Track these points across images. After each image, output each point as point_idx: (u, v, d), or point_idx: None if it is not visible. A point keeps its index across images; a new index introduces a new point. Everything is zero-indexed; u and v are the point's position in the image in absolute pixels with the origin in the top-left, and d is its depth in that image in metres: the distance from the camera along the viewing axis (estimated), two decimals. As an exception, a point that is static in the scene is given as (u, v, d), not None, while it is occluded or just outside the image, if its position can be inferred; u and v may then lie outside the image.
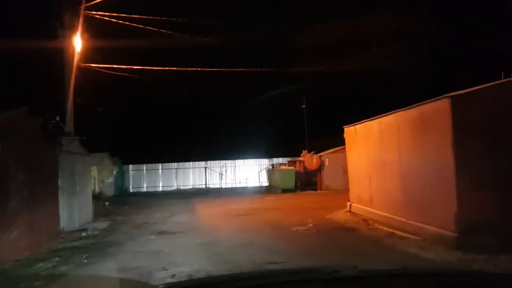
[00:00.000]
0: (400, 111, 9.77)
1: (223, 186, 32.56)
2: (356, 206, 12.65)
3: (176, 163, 33.23)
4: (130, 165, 33.07)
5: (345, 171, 23.48)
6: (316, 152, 24.21)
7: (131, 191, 32.54)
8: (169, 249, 8.35)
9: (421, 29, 23.20)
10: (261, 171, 33.10)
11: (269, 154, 33.18)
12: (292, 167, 23.74)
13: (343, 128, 14.30)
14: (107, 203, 19.88)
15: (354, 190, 13.32)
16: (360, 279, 1.40)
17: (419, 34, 23.91)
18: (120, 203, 21.08)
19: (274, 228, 10.77)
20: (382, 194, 10.88)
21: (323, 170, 23.40)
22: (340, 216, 12.51)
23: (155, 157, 33.30)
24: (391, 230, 9.38)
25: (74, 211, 11.31)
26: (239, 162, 33.35)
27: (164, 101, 34.58)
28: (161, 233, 10.57)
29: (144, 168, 33.25)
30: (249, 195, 23.06)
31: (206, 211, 15.24)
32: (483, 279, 1.59)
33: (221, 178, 33.06)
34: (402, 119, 9.76)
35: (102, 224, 12.29)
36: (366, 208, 11.75)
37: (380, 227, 10.07)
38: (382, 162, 10.84)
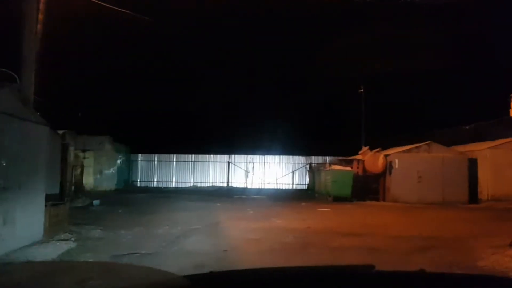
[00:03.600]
0: None
1: (249, 186, 26.83)
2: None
3: (193, 155, 27.72)
4: (139, 155, 27.73)
5: (421, 178, 17.51)
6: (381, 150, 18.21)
7: (138, 185, 27.16)
8: None
9: None
10: (295, 170, 27.28)
11: (307, 150, 27.29)
12: (349, 168, 17.81)
13: None
14: (96, 202, 14.35)
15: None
16: (377, 280, 1.38)
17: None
18: (116, 202, 15.60)
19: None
20: None
21: (390, 174, 17.40)
22: None
23: (169, 146, 27.82)
24: None
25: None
26: (269, 158, 27.61)
27: (184, 78, 28.99)
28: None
29: (156, 159, 27.83)
30: (288, 201, 17.24)
31: (239, 228, 9.44)
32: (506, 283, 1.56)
33: (247, 176, 27.33)
34: None
35: (52, 251, 6.64)
36: None
37: None
38: None
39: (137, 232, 8.74)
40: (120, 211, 13.07)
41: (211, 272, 1.43)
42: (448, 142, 17.72)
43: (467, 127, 17.98)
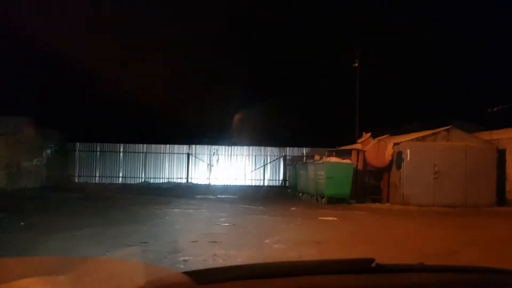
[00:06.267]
0: None
1: (213, 183, 22.42)
2: None
3: (145, 145, 22.96)
4: (77, 144, 22.55)
5: (439, 173, 13.78)
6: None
7: (76, 181, 22.05)
8: None
9: None
10: (267, 164, 23.13)
11: (281, 140, 23.18)
12: (348, 160, 13.77)
13: None
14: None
15: None
16: (377, 273, 1.34)
17: None
18: (29, 208, 10.96)
19: None
20: None
21: (398, 168, 13.54)
22: None
23: (115, 134, 22.82)
24: None
25: None
26: (237, 150, 23.30)
27: (135, 51, 23.99)
28: None
29: (98, 149, 22.80)
30: (268, 204, 13.00)
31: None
32: (505, 276, 1.47)
33: (211, 171, 22.87)
34: None
35: None
36: None
37: None
38: None
39: None
40: (22, 223, 8.39)
41: (210, 268, 1.40)
42: (470, 128, 14.10)
43: (494, 110, 14.47)
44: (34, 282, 1.04)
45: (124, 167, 22.83)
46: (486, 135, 14.10)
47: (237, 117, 23.33)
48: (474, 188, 13.27)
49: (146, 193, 16.27)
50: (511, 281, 1.44)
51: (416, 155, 13.42)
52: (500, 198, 13.50)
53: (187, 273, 1.21)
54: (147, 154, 22.82)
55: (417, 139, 13.73)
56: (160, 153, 22.88)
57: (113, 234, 7.12)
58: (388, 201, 13.83)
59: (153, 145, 22.87)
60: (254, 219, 9.43)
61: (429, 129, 13.99)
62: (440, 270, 1.55)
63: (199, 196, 15.09)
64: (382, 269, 1.37)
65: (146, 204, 12.04)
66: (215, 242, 6.48)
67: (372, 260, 1.37)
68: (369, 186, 15.00)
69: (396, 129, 14.97)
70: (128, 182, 22.41)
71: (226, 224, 8.49)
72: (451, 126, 13.70)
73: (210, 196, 15.29)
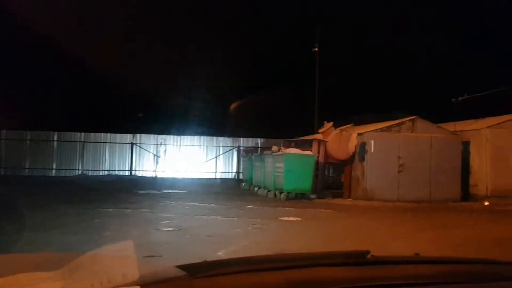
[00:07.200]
0: None
1: (160, 175, 20.63)
2: None
3: (83, 134, 20.73)
4: (3, 131, 19.91)
5: (403, 166, 12.90)
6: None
7: (2, 173, 19.49)
8: None
9: None
10: (219, 155, 21.68)
11: (234, 130, 21.74)
12: (309, 152, 12.56)
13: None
14: None
15: None
16: (372, 265, 1.36)
17: None
18: None
19: None
20: None
21: (362, 161, 12.52)
22: None
23: (48, 121, 20.36)
24: None
25: None
26: (186, 140, 21.63)
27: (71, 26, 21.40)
28: None
29: (28, 137, 20.26)
30: (221, 200, 11.55)
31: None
32: (500, 268, 1.51)
33: (157, 162, 21.04)
34: None
35: None
36: None
37: None
38: None
39: None
40: None
41: (205, 261, 1.39)
42: (436, 119, 13.36)
43: (459, 99, 13.77)
44: (26, 277, 1.04)
45: (59, 158, 20.46)
46: (450, 126, 13.42)
47: (186, 104, 21.62)
48: (439, 182, 12.54)
49: (81, 188, 14.31)
50: (507, 273, 1.44)
51: (380, 146, 12.46)
52: (465, 192, 12.89)
53: (182, 267, 1.19)
54: (85, 144, 20.56)
55: (382, 129, 12.78)
56: (100, 142, 20.70)
57: (19, 245, 5.41)
58: (350, 196, 12.81)
59: (92, 134, 20.65)
60: (204, 221, 7.93)
61: (395, 119, 13.08)
62: (435, 262, 1.54)
63: (142, 192, 13.35)
64: (378, 261, 1.38)
65: (77, 202, 10.21)
66: (151, 257, 4.94)
67: (368, 252, 1.38)
68: (330, 180, 13.99)
69: (360, 119, 13.95)
70: (64, 174, 20.11)
71: (170, 229, 6.94)
72: (416, 116, 12.86)
73: (155, 192, 13.58)
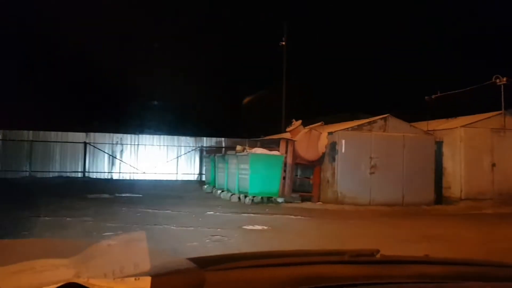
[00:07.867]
0: None
1: (117, 177, 19.21)
2: None
3: (31, 132, 19.01)
4: None
5: (375, 167, 12.16)
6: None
7: None
8: None
9: None
10: (180, 156, 20.48)
11: (196, 129, 20.61)
12: (276, 152, 11.61)
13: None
14: None
15: None
16: (381, 264, 1.34)
17: None
18: None
19: None
20: None
21: (332, 162, 11.70)
22: None
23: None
24: None
25: None
26: (145, 139, 20.32)
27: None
28: None
29: (-33, 136, 18.31)
30: (180, 205, 10.41)
31: None
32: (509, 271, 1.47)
33: (113, 163, 19.59)
34: None
35: None
36: None
37: None
38: None
39: None
40: None
41: (216, 255, 1.39)
42: (408, 118, 12.73)
43: (432, 97, 13.20)
44: (38, 264, 1.01)
45: (3, 158, 18.68)
46: (423, 125, 12.83)
47: (146, 102, 20.26)
48: (412, 185, 11.89)
49: (25, 191, 12.83)
50: None
51: (352, 146, 11.69)
52: (438, 195, 12.32)
53: (192, 259, 1.19)
54: (33, 143, 18.85)
55: (353, 128, 12.00)
56: (50, 141, 19.04)
57: None
58: (319, 199, 11.97)
59: (41, 132, 18.97)
60: (155, 232, 6.78)
61: (366, 117, 12.36)
62: (444, 262, 1.55)
63: (91, 196, 11.99)
64: (387, 260, 1.38)
65: (13, 208, 8.79)
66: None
67: (378, 250, 1.39)
68: (298, 182, 13.13)
69: (330, 118, 13.17)
70: (9, 176, 18.31)
71: (110, 243, 5.78)
72: (388, 114, 12.18)
73: (106, 195, 12.25)
